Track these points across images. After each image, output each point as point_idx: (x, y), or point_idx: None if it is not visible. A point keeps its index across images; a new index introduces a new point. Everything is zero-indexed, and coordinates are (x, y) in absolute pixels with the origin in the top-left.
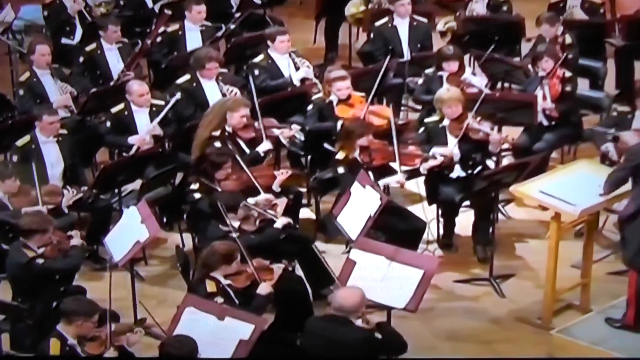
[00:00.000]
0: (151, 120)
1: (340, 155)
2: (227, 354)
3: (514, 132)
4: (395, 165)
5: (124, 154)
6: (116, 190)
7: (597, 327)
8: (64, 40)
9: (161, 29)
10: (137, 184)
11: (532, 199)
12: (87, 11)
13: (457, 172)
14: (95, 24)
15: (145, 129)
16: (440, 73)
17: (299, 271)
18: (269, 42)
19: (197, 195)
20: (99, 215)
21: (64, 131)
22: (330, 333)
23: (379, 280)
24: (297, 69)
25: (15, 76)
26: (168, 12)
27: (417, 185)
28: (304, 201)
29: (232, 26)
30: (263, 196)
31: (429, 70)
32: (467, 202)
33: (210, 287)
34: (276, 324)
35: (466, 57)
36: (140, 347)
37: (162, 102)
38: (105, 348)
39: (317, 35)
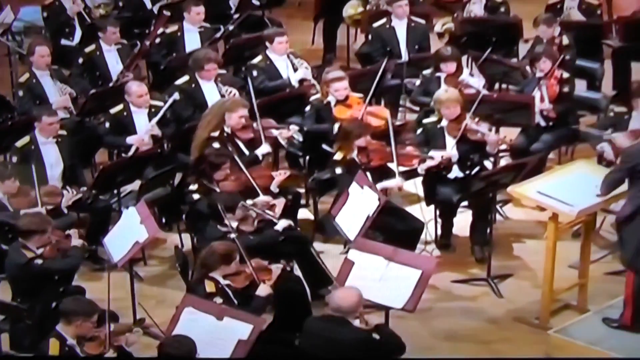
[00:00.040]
0: (150, 121)
1: (338, 156)
2: (226, 354)
3: (511, 133)
4: (393, 165)
5: (123, 155)
6: (115, 191)
7: (594, 327)
8: (63, 42)
9: (160, 30)
10: (136, 185)
11: (529, 200)
12: (87, 12)
13: (455, 172)
14: (94, 26)
15: (144, 130)
16: (438, 74)
17: (298, 271)
18: (267, 43)
19: (196, 196)
20: (98, 216)
21: (64, 132)
22: (328, 333)
23: (377, 280)
24: (295, 70)
25: (15, 77)
26: (167, 13)
27: (415, 186)
28: (303, 201)
29: (231, 27)
30: (262, 198)
31: (426, 72)
32: (465, 203)
33: (210, 287)
34: (275, 324)
35: (464, 58)
36: (139, 347)
37: (161, 103)
38: (105, 348)
39: (315, 37)
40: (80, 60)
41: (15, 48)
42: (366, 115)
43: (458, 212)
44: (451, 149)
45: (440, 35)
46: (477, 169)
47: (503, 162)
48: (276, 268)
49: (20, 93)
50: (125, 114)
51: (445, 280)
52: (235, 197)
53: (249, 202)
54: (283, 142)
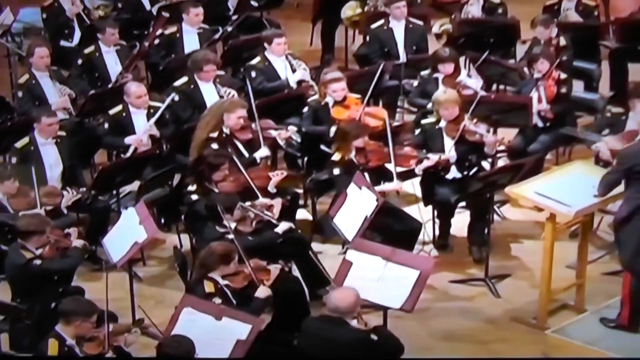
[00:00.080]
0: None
1: (336, 157)
2: (225, 354)
3: (509, 134)
4: (390, 166)
5: (122, 155)
6: (114, 192)
7: (591, 327)
8: (63, 43)
9: (159, 32)
10: (135, 186)
11: (527, 200)
12: (86, 14)
13: (453, 173)
14: (93, 27)
15: (142, 130)
16: (435, 75)
17: (296, 272)
18: (265, 45)
19: (195, 197)
20: (98, 216)
21: (63, 133)
22: (326, 333)
23: (375, 280)
24: (293, 71)
25: (15, 78)
26: (166, 14)
27: (413, 186)
28: (301, 202)
29: (229, 29)
30: (260, 201)
31: (424, 73)
32: (463, 203)
33: (209, 287)
34: (273, 324)
35: (461, 60)
36: (138, 347)
37: (159, 104)
38: (104, 348)
39: (313, 38)
40: (80, 62)
41: (15, 49)
42: (364, 116)
43: (456, 213)
44: (449, 150)
45: (438, 36)
46: (475, 169)
47: (501, 163)
48: (274, 268)
49: (20, 94)
50: (124, 114)
51: (443, 280)
52: (233, 197)
53: (248, 203)
54: (281, 143)
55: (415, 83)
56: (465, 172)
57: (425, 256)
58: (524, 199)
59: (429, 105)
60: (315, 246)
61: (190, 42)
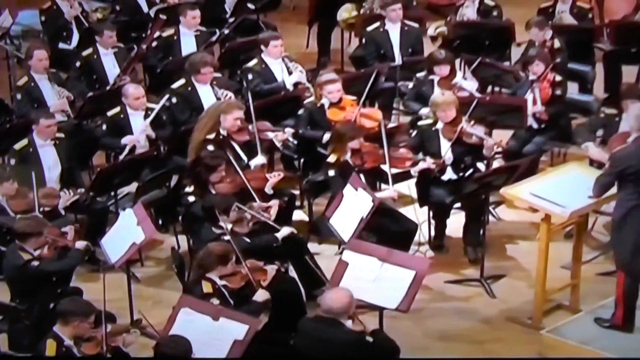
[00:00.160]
0: None
1: (331, 158)
2: (222, 354)
3: (504, 135)
4: (385, 167)
5: (119, 156)
6: (113, 193)
7: (586, 327)
8: (61, 45)
9: (156, 34)
10: (133, 187)
11: (522, 201)
12: (84, 16)
13: (449, 174)
14: (91, 29)
15: (139, 130)
16: (431, 77)
17: (293, 272)
18: (262, 47)
19: (192, 198)
20: (96, 218)
21: (61, 135)
22: (321, 334)
23: (371, 281)
24: (290, 73)
25: (13, 81)
26: (163, 17)
27: (409, 188)
28: (297, 203)
29: (226, 31)
30: (258, 204)
31: (420, 74)
32: (458, 204)
33: (207, 288)
34: (270, 324)
35: (457, 62)
36: (136, 347)
37: (157, 106)
38: (102, 349)
39: (309, 40)
40: (78, 64)
41: (14, 52)
42: (360, 118)
43: (451, 214)
44: (446, 152)
45: (434, 38)
46: (470, 171)
47: (496, 164)
48: (271, 269)
49: (19, 96)
50: (122, 116)
51: (438, 280)
52: (229, 199)
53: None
54: (278, 145)
55: (411, 85)
56: (461, 174)
57: (420, 257)
58: (519, 200)
59: (422, 111)
60: (312, 247)
61: (188, 44)
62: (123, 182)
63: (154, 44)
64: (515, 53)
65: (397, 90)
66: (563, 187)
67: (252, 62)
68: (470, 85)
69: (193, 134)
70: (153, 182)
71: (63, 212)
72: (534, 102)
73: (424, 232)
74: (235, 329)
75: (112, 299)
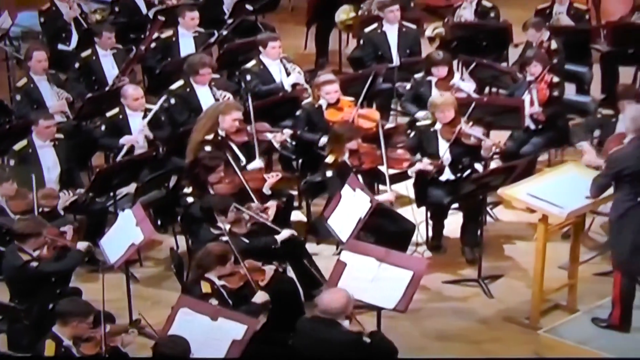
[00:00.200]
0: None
1: (329, 159)
2: (221, 354)
3: (502, 136)
4: (383, 168)
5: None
6: (111, 194)
7: (583, 326)
8: (60, 47)
9: (155, 35)
10: (132, 188)
11: (520, 202)
12: (83, 18)
13: (446, 175)
14: (90, 31)
15: (137, 130)
16: (429, 78)
17: (291, 272)
18: (260, 48)
19: (190, 199)
20: (95, 218)
21: (61, 135)
22: (318, 334)
23: (369, 281)
24: (288, 74)
25: (13, 82)
26: (162, 18)
27: (407, 188)
28: (296, 204)
29: (225, 32)
30: (256, 205)
31: (418, 75)
32: (456, 205)
33: (205, 288)
34: (268, 324)
35: (454, 63)
36: (135, 347)
37: (157, 108)
38: (100, 349)
39: (307, 42)
40: (77, 65)
41: (13, 53)
42: (357, 118)
43: (449, 214)
44: (444, 153)
45: (431, 39)
46: (468, 171)
47: (493, 165)
48: (269, 269)
49: (18, 97)
50: (121, 117)
51: (436, 281)
52: (227, 199)
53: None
54: (277, 146)
55: (409, 86)
56: (459, 174)
57: (418, 257)
58: (516, 201)
59: (417, 114)
60: (310, 247)
61: (186, 45)
62: (122, 182)
63: (153, 45)
64: (513, 54)
65: (394, 91)
66: (560, 188)
67: (251, 63)
68: (467, 86)
69: (191, 135)
70: (152, 183)
71: (62, 213)
72: (532, 103)
73: (421, 233)
74: (233, 329)
75: (111, 299)
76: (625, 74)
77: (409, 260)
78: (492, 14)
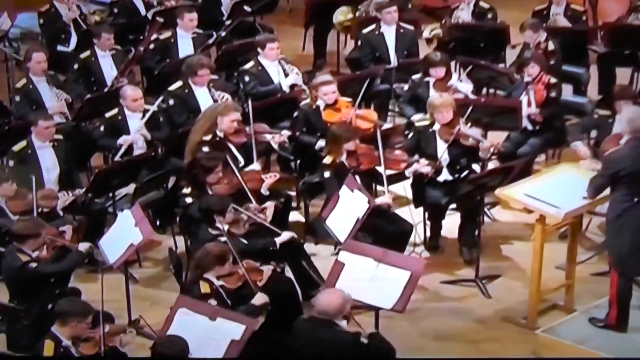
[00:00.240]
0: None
1: (327, 160)
2: (219, 354)
3: (499, 137)
4: (380, 169)
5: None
6: (110, 194)
7: (581, 326)
8: (60, 48)
9: (154, 37)
10: (131, 188)
11: (517, 202)
12: (82, 19)
13: (444, 175)
14: (89, 32)
15: (134, 130)
16: (427, 79)
17: (289, 272)
18: (259, 49)
19: (189, 200)
20: (94, 219)
21: (60, 136)
22: (316, 334)
23: (367, 281)
24: (286, 75)
25: (12, 83)
26: (160, 19)
27: (404, 189)
28: (294, 204)
29: (223, 34)
30: (254, 205)
31: (415, 77)
32: (454, 205)
33: (204, 288)
34: (266, 324)
35: (452, 64)
36: (134, 347)
37: (155, 108)
38: (99, 349)
39: (306, 43)
40: (76, 66)
41: (12, 54)
42: (355, 119)
43: (447, 215)
44: (442, 153)
45: (429, 41)
46: (465, 172)
47: (491, 166)
48: (267, 269)
49: (17, 98)
50: (119, 117)
51: (434, 281)
52: (225, 200)
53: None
54: (275, 147)
55: (406, 87)
56: (456, 175)
57: (416, 257)
58: (514, 201)
59: (414, 117)
60: (308, 248)
61: (185, 46)
62: (121, 183)
63: (152, 46)
64: (510, 55)
65: (392, 92)
66: (557, 188)
67: (249, 65)
68: (465, 87)
69: (190, 136)
70: (151, 184)
71: (61, 213)
72: (529, 104)
73: (419, 233)
74: (232, 329)
75: (110, 300)
76: (622, 75)
77: (406, 261)
78: (489, 15)
